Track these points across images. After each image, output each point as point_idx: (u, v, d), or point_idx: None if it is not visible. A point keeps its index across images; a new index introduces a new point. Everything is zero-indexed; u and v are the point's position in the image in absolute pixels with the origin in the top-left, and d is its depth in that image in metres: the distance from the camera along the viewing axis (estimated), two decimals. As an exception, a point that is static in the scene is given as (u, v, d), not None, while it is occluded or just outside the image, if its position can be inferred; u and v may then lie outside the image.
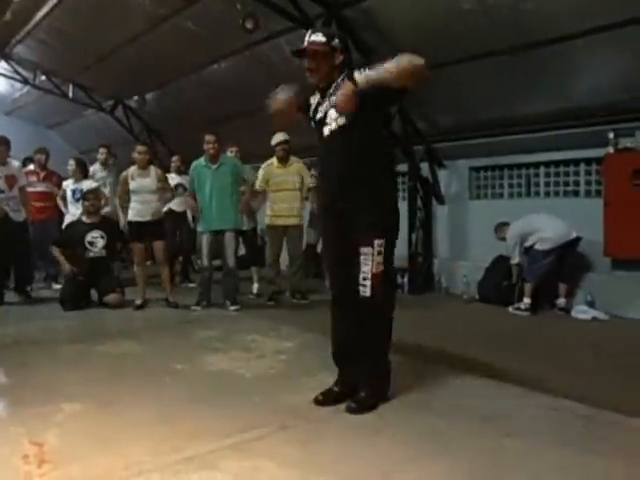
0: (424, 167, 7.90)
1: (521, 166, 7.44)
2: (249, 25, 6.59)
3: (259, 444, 2.77)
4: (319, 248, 7.97)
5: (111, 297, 6.61)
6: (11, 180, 6.67)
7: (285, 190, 6.75)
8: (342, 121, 3.14)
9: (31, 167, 8.12)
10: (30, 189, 7.64)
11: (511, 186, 7.61)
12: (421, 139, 7.74)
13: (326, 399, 3.32)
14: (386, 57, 2.92)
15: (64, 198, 7.76)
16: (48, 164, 8.28)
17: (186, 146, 6.51)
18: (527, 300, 6.30)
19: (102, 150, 8.40)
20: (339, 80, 3.17)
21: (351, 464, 2.57)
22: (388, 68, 2.88)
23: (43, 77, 11.20)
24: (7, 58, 10.96)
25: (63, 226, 7.46)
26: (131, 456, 2.63)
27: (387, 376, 3.37)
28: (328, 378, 3.50)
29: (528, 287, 6.34)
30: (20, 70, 11.34)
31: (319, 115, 3.29)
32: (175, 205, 7.87)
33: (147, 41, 8.38)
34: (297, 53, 3.27)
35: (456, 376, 3.89)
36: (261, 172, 6.85)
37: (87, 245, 6.72)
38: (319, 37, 3.19)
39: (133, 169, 6.52)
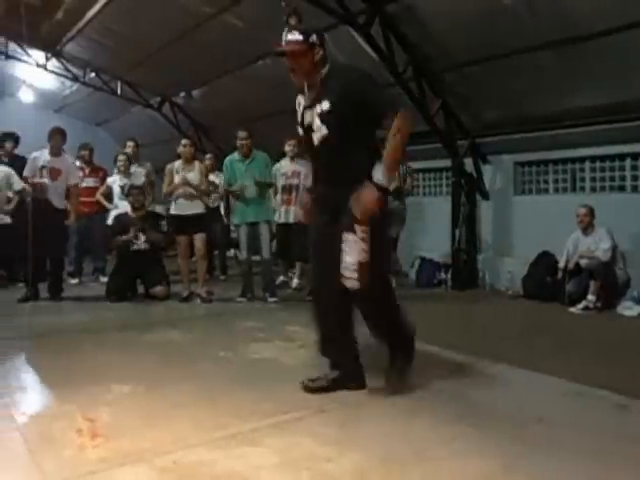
0: (468, 162, 7.85)
1: (566, 161, 7.33)
2: (293, 22, 6.64)
3: (299, 424, 2.89)
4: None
5: (157, 289, 6.76)
6: (56, 173, 6.65)
7: None
8: (325, 132, 3.15)
9: (77, 163, 8.14)
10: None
11: (556, 181, 7.51)
12: (465, 134, 7.70)
13: (316, 386, 3.36)
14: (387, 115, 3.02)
15: (106, 195, 7.86)
16: (94, 160, 8.44)
17: (233, 141, 6.59)
18: (592, 297, 6.13)
19: (130, 144, 8.37)
20: (323, 72, 3.19)
21: (385, 443, 2.67)
22: (393, 156, 3.03)
23: (93, 74, 11.44)
24: (58, 56, 11.20)
25: (109, 220, 7.56)
26: (177, 432, 2.75)
27: (411, 341, 3.48)
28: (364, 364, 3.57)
29: (596, 285, 6.16)
30: (70, 68, 11.58)
31: (307, 121, 3.27)
32: (210, 201, 7.96)
33: (194, 38, 8.50)
34: (280, 54, 3.25)
35: (494, 367, 3.93)
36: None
37: (132, 238, 6.88)
38: (295, 36, 3.16)
39: (178, 163, 6.64)
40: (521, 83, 6.66)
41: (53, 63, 11.59)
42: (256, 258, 6.70)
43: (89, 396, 3.24)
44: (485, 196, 7.98)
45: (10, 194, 7.06)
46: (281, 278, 7.65)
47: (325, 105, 3.12)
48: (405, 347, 3.45)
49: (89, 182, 8.10)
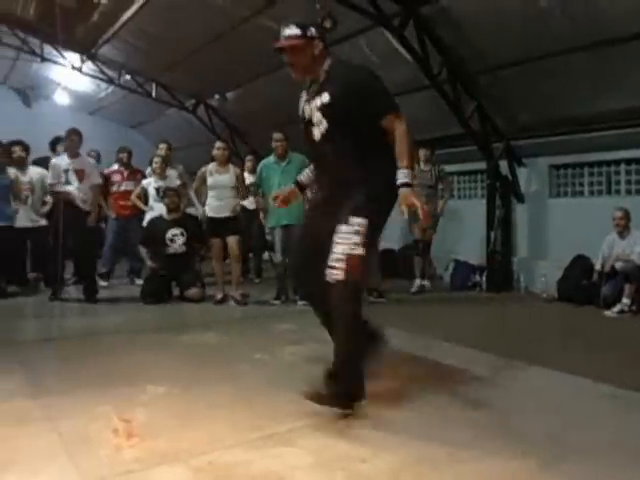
0: (503, 165, 7.77)
1: (601, 164, 7.23)
2: (328, 24, 6.64)
3: (334, 425, 2.90)
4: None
5: (192, 292, 6.80)
6: (81, 174, 6.65)
7: None
8: (325, 125, 3.07)
9: (115, 167, 8.29)
10: (115, 188, 7.96)
11: (591, 184, 7.40)
12: (500, 136, 7.62)
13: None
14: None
15: (141, 196, 7.83)
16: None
17: (267, 145, 6.62)
18: (627, 300, 6.03)
19: (162, 146, 8.31)
20: (325, 66, 3.10)
21: (419, 444, 2.68)
22: (410, 152, 2.98)
23: (127, 77, 11.50)
24: (93, 58, 11.31)
25: (144, 223, 7.57)
26: (213, 433, 2.77)
27: (357, 385, 3.04)
28: (402, 367, 3.69)
29: (631, 288, 6.04)
30: (106, 70, 11.69)
31: (306, 114, 3.19)
32: (248, 203, 7.99)
33: (228, 40, 8.55)
34: (278, 50, 3.11)
35: (528, 370, 3.92)
36: None
37: (167, 242, 6.93)
38: (293, 30, 3.05)
39: (212, 165, 6.66)
40: (555, 85, 6.59)
41: (88, 65, 11.70)
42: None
43: (125, 397, 3.28)
44: (520, 199, 7.89)
45: (47, 197, 7.21)
46: None
47: (325, 97, 3.04)
48: (351, 373, 3.02)
49: (128, 185, 8.09)
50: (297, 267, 3.44)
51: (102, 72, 11.75)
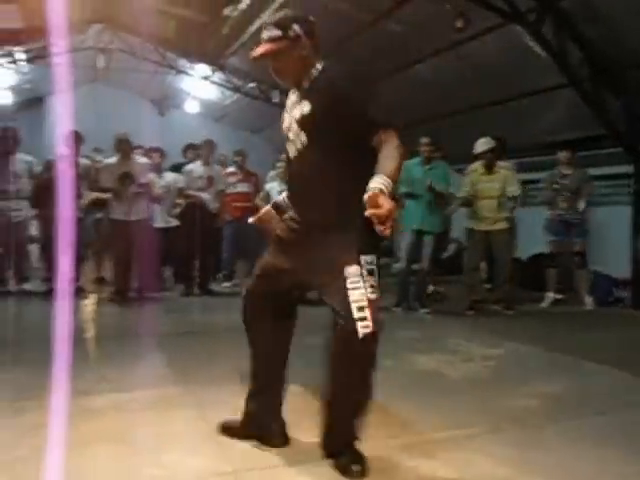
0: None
1: None
2: (459, 24, 6.46)
3: (472, 441, 2.77)
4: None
5: (312, 294, 6.76)
6: (210, 180, 7.31)
7: (488, 198, 6.45)
8: (304, 140, 2.49)
9: (231, 169, 8.57)
10: (230, 190, 8.17)
11: None
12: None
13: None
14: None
15: (264, 200, 8.00)
16: (247, 166, 8.69)
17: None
18: None
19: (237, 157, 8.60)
20: (318, 66, 2.55)
21: (565, 468, 2.50)
22: (397, 163, 2.28)
23: (252, 84, 11.90)
24: (222, 68, 11.79)
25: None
26: None
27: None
28: (542, 387, 3.51)
29: None
30: (232, 79, 12.15)
31: (285, 126, 2.65)
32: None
33: (350, 46, 8.53)
34: (258, 58, 2.54)
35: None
36: (466, 178, 6.64)
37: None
38: (273, 32, 2.49)
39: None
40: None
41: (217, 75, 12.25)
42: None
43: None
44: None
45: (179, 200, 7.59)
46: (431, 288, 7.39)
47: (305, 107, 2.48)
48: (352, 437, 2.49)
49: (243, 187, 8.36)
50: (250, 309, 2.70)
51: (228, 81, 12.24)
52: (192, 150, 8.26)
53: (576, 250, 6.76)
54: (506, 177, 6.42)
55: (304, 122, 2.48)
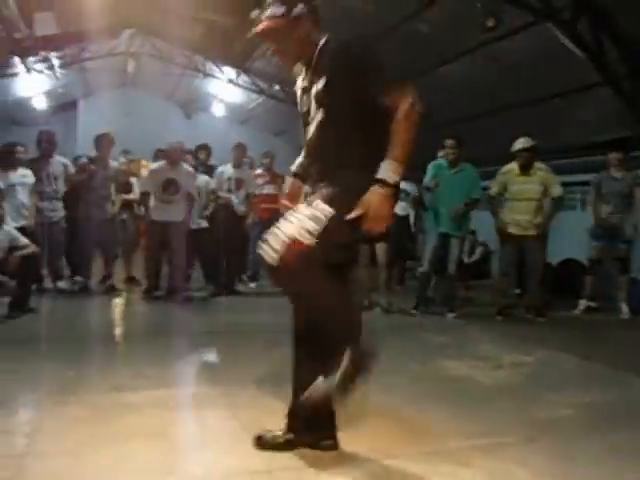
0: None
1: None
2: (490, 23, 6.34)
3: (507, 450, 2.66)
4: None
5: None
6: (240, 182, 7.37)
7: (526, 200, 6.19)
8: (321, 117, 2.44)
9: (259, 171, 8.53)
10: (257, 191, 8.12)
11: None
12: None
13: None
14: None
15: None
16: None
17: (420, 147, 6.39)
18: None
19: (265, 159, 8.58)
20: (319, 48, 2.46)
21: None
22: (406, 141, 2.25)
23: (277, 87, 11.92)
24: (248, 72, 11.86)
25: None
26: (374, 442, 2.64)
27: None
28: (577, 397, 3.40)
29: None
30: (258, 82, 12.23)
31: (304, 108, 2.57)
32: (399, 209, 7.79)
33: (378, 47, 8.47)
34: (257, 36, 2.51)
35: None
36: (500, 178, 6.38)
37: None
38: (275, 9, 2.42)
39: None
40: None
41: (242, 78, 12.31)
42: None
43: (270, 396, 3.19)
44: None
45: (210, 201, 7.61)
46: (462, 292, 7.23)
47: (320, 83, 2.41)
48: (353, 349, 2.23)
49: (269, 189, 8.34)
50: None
51: (254, 84, 12.25)
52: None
53: (620, 256, 6.49)
54: (545, 178, 6.15)
55: (321, 97, 2.43)
